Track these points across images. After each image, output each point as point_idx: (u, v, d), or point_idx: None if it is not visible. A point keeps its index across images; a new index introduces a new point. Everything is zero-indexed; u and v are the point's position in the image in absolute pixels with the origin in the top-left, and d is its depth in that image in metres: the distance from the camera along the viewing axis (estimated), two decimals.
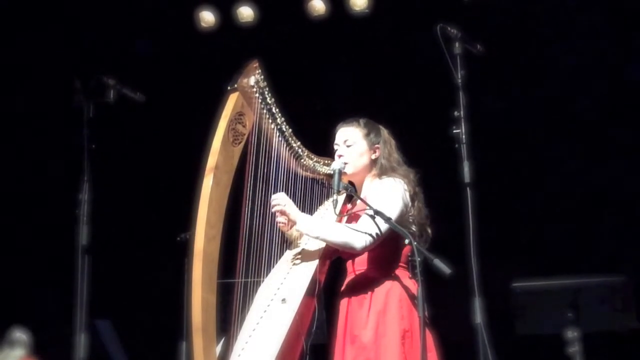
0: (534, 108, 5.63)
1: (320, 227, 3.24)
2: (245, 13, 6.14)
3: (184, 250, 4.00)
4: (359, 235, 3.16)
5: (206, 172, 2.99)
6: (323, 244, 3.27)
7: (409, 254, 3.23)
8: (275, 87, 3.27)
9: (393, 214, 3.16)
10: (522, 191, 5.57)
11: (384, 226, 3.14)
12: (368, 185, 3.40)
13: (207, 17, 6.19)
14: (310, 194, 3.43)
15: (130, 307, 5.57)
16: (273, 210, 3.21)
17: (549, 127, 5.60)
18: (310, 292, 3.17)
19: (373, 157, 3.41)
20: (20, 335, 3.65)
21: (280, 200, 3.23)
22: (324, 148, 3.47)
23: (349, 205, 3.48)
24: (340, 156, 3.39)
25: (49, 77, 5.76)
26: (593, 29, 5.58)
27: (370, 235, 3.15)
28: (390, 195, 3.23)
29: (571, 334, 3.35)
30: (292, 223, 3.25)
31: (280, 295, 3.16)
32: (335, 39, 6.00)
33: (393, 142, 3.47)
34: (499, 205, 5.29)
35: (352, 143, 3.40)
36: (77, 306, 3.86)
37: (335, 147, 3.44)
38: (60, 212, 4.54)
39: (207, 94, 4.35)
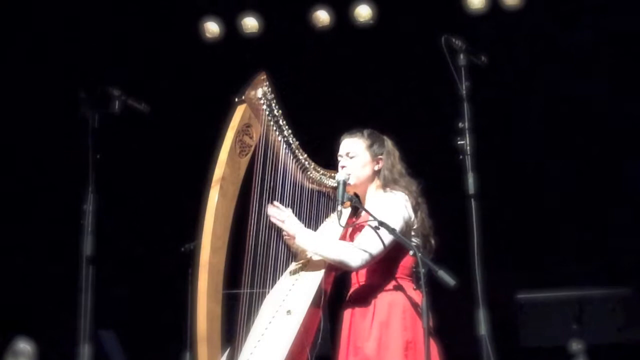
0: (539, 119, 5.64)
1: (316, 243, 3.24)
2: (250, 24, 6.16)
3: (188, 261, 4.00)
4: (356, 253, 3.16)
5: (213, 183, 3.00)
6: None
7: (413, 265, 3.22)
8: (279, 97, 3.29)
9: (394, 227, 3.16)
10: (527, 202, 5.56)
11: (388, 238, 3.14)
12: (371, 197, 3.41)
13: (212, 28, 6.21)
14: (316, 207, 3.43)
15: (134, 318, 5.56)
16: (271, 219, 3.21)
17: (553, 138, 5.60)
18: (315, 303, 3.17)
19: (376, 168, 3.42)
20: (24, 345, 3.65)
21: (279, 213, 3.23)
22: (329, 160, 3.48)
23: (354, 218, 3.49)
24: (343, 167, 3.40)
25: (54, 87, 5.77)
26: (597, 33, 5.60)
27: (369, 252, 3.15)
28: (390, 210, 3.23)
29: (576, 345, 3.36)
30: (290, 237, 3.26)
31: (285, 307, 3.15)
32: (340, 50, 6.01)
33: (397, 153, 3.48)
34: (503, 216, 5.29)
35: (355, 154, 3.41)
36: (81, 316, 3.85)
37: (339, 158, 3.45)
38: (65, 223, 4.53)
39: (211, 104, 4.37)
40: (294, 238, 3.25)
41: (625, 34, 5.52)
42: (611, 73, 5.54)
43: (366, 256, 3.15)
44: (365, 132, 3.47)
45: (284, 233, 3.30)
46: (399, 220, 3.22)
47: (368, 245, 3.17)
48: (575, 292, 3.43)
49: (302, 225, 3.29)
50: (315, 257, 3.30)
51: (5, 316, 5.37)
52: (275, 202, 3.24)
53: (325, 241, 3.26)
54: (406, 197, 3.31)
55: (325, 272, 3.26)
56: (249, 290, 3.10)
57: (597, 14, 5.59)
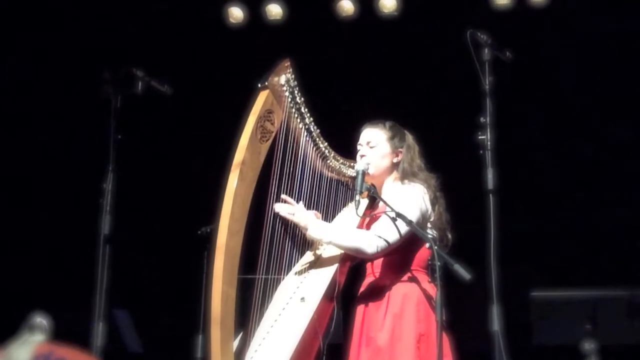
0: (558, 116, 5.61)
1: (330, 233, 3.24)
2: (274, 11, 6.15)
3: (204, 244, 4.02)
4: (371, 239, 3.16)
5: (232, 167, 2.99)
6: None
7: (429, 257, 3.22)
8: (301, 85, 3.29)
9: (411, 218, 3.16)
10: (545, 200, 5.55)
11: (405, 228, 3.14)
12: (388, 188, 3.41)
13: (236, 14, 6.22)
14: (334, 196, 3.44)
15: (149, 298, 5.60)
16: (278, 214, 3.19)
17: (571, 135, 5.58)
18: (329, 292, 3.18)
19: (395, 160, 3.42)
20: (40, 320, 3.67)
21: (286, 208, 3.22)
22: (349, 150, 3.48)
23: (372, 208, 3.49)
24: (362, 156, 3.40)
25: (79, 67, 5.80)
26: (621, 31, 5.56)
27: (384, 239, 3.15)
28: (408, 200, 3.24)
29: (588, 345, 3.35)
30: (302, 230, 3.26)
31: (299, 294, 3.17)
32: (363, 40, 6.00)
33: (417, 147, 3.48)
34: (521, 213, 5.28)
35: (375, 144, 3.41)
36: (97, 295, 3.89)
37: (359, 147, 3.45)
38: (84, 201, 4.57)
39: (233, 89, 4.38)
40: (306, 230, 3.25)
41: None
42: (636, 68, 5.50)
43: (382, 243, 3.15)
44: (387, 123, 3.47)
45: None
46: (416, 211, 3.22)
47: (384, 233, 3.17)
48: (590, 292, 3.41)
49: (313, 217, 3.28)
50: (331, 247, 3.31)
51: (22, 292, 5.42)
52: (283, 196, 3.23)
53: (338, 230, 3.26)
54: (425, 189, 3.32)
55: (341, 262, 3.26)
56: (264, 276, 3.11)
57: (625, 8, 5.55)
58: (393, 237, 3.17)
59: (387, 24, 5.99)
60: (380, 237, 3.16)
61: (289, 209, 3.23)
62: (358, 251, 3.21)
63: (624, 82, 5.52)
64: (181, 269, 5.17)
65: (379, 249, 3.17)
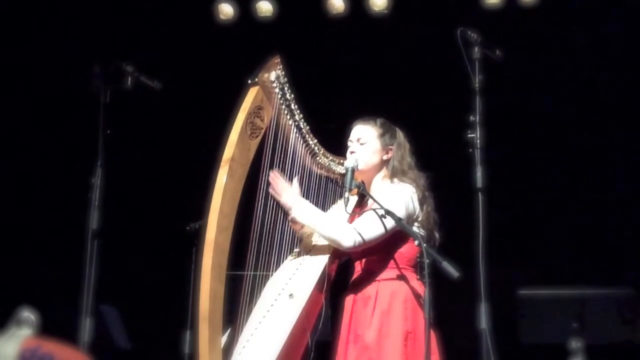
0: (549, 115, 5.63)
1: (312, 217, 3.23)
2: (265, 7, 6.15)
3: (193, 240, 4.02)
4: (350, 233, 3.16)
5: (222, 164, 3.00)
6: None
7: (418, 255, 3.23)
8: (291, 81, 3.29)
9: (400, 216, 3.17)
10: (534, 198, 5.57)
11: (389, 226, 3.14)
12: (377, 186, 3.42)
13: (226, 10, 6.21)
14: (324, 192, 3.44)
15: (137, 294, 5.58)
16: (270, 189, 3.19)
17: (562, 134, 5.60)
18: (318, 288, 3.19)
19: (384, 157, 3.42)
20: (28, 315, 3.66)
21: (278, 184, 3.21)
22: (338, 147, 3.48)
23: (361, 205, 3.49)
24: (352, 152, 3.40)
25: (68, 61, 5.77)
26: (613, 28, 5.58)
27: (362, 235, 3.16)
28: (394, 200, 3.23)
29: (575, 344, 3.37)
30: (287, 208, 3.24)
31: (288, 290, 3.17)
32: (354, 38, 6.00)
33: (408, 145, 3.48)
34: (510, 211, 5.30)
35: (365, 141, 3.41)
36: (85, 290, 3.88)
37: (349, 143, 3.45)
38: (72, 196, 4.55)
39: (223, 85, 4.37)
40: (291, 209, 3.24)
41: None
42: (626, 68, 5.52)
43: (359, 239, 3.16)
44: (378, 120, 3.47)
45: (289, 218, 3.31)
46: (402, 211, 3.22)
47: (364, 228, 3.17)
48: (577, 290, 3.43)
49: (301, 198, 3.27)
50: (325, 241, 3.31)
51: (9, 286, 5.40)
52: (276, 171, 3.23)
53: (321, 216, 3.26)
54: (413, 189, 3.32)
55: (330, 259, 3.27)
56: (253, 272, 3.12)
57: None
58: (373, 233, 3.17)
59: (378, 21, 5.99)
60: (359, 232, 3.16)
61: (280, 186, 3.21)
62: (334, 242, 3.21)
63: (617, 81, 5.54)
64: (170, 265, 5.17)
65: (356, 244, 3.17)
